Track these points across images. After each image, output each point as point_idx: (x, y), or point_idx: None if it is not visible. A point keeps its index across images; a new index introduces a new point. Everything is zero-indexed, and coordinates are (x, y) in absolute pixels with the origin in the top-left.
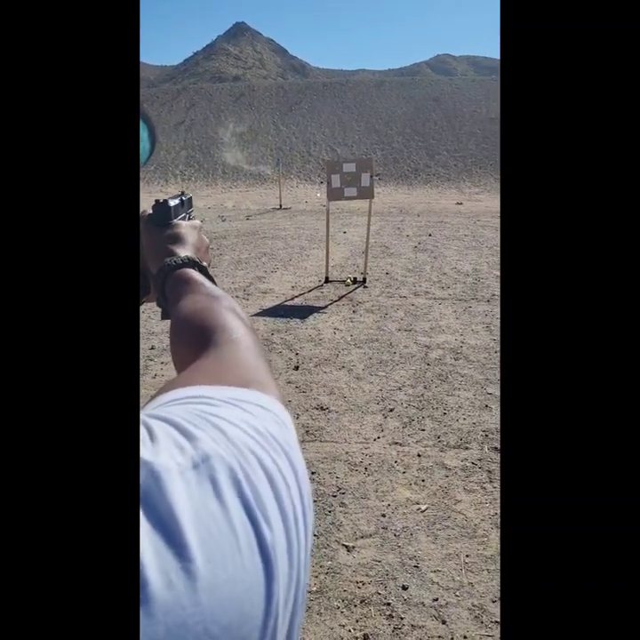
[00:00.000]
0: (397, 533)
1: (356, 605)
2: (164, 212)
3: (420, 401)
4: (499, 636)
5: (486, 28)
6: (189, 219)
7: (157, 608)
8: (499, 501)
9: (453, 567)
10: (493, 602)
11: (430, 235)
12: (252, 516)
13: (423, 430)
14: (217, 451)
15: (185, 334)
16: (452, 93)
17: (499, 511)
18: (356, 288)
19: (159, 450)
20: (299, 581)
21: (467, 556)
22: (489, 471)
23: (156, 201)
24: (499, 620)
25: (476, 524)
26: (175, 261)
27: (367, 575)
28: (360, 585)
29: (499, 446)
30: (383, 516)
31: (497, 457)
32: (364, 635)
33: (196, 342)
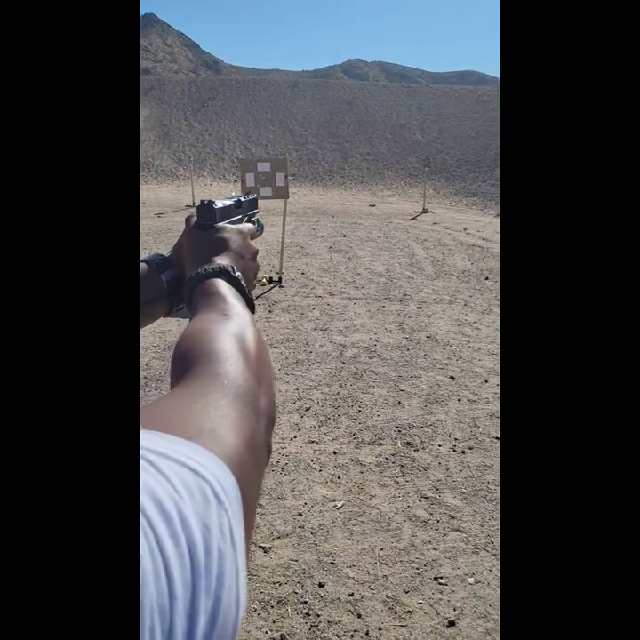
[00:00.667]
0: (314, 531)
1: (272, 606)
2: (207, 214)
3: (336, 399)
4: (411, 625)
5: (396, 34)
6: (250, 221)
7: None
8: (411, 494)
9: (368, 561)
10: (406, 592)
11: (345, 236)
12: None
13: (339, 428)
14: None
15: (176, 358)
16: (364, 98)
17: (411, 504)
18: (271, 288)
19: None
20: None
21: (381, 549)
22: (402, 465)
23: (202, 201)
24: (411, 609)
25: (389, 518)
26: (205, 270)
27: (284, 575)
28: (277, 585)
29: (412, 441)
30: (300, 514)
31: (409, 451)
32: (281, 635)
33: (179, 369)
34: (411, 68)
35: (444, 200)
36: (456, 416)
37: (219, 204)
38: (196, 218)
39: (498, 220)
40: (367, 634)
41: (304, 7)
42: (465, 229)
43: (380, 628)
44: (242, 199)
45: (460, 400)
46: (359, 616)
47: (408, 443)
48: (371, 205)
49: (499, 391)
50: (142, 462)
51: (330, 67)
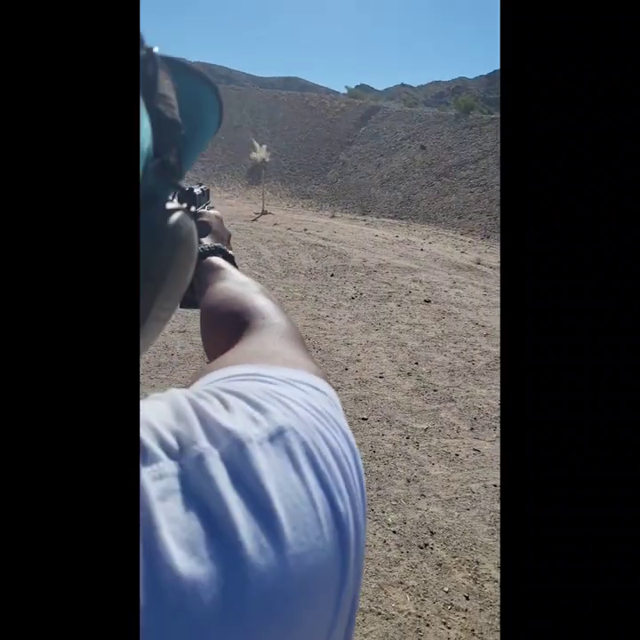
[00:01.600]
0: None
1: None
2: (189, 199)
3: None
4: None
5: (220, 35)
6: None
7: (251, 572)
8: None
9: None
10: None
11: None
12: (327, 489)
13: None
14: (290, 424)
15: (220, 320)
16: None
17: None
18: None
19: (236, 420)
20: (360, 563)
21: None
22: None
23: (181, 188)
24: None
25: None
26: (203, 249)
27: None
28: None
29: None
30: None
31: None
32: None
33: (231, 328)
34: (236, 71)
35: (281, 202)
36: None
37: (197, 191)
38: None
39: (334, 221)
40: None
41: None
42: (305, 230)
43: None
44: (203, 189)
45: None
46: None
47: None
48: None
49: (358, 377)
50: (289, 386)
51: None
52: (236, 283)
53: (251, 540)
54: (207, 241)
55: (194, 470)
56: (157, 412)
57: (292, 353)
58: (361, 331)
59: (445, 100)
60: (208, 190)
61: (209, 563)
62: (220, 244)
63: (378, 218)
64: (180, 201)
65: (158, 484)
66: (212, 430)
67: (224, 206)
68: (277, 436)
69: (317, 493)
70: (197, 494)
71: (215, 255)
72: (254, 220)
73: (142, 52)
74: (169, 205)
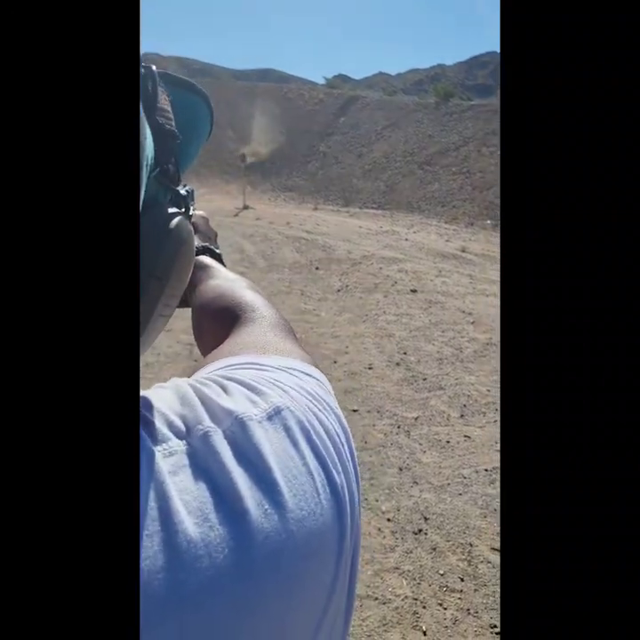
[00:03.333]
0: None
1: None
2: (184, 203)
3: None
4: None
5: (193, 29)
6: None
7: (258, 534)
8: None
9: None
10: None
11: None
12: (323, 462)
13: None
14: (286, 404)
15: (212, 316)
16: None
17: None
18: None
19: (236, 401)
20: (356, 535)
21: None
22: None
23: (178, 193)
24: None
25: None
26: None
27: None
28: None
29: None
30: None
31: None
32: None
33: (224, 323)
34: (211, 64)
35: (262, 196)
36: None
37: (182, 193)
38: None
39: (316, 214)
40: None
41: None
42: (288, 223)
43: None
44: (188, 190)
45: None
46: None
47: None
48: None
49: (347, 369)
50: (282, 372)
51: None
52: (225, 279)
53: (255, 507)
54: (195, 241)
55: (200, 447)
56: (163, 399)
57: (282, 342)
58: (348, 323)
59: (424, 87)
60: (193, 190)
61: (219, 527)
62: (207, 244)
63: (361, 209)
64: (176, 204)
65: (169, 460)
66: (215, 412)
67: (203, 202)
68: (275, 415)
69: (314, 465)
70: (205, 468)
71: (203, 254)
72: (236, 215)
73: (141, 71)
74: (170, 210)
